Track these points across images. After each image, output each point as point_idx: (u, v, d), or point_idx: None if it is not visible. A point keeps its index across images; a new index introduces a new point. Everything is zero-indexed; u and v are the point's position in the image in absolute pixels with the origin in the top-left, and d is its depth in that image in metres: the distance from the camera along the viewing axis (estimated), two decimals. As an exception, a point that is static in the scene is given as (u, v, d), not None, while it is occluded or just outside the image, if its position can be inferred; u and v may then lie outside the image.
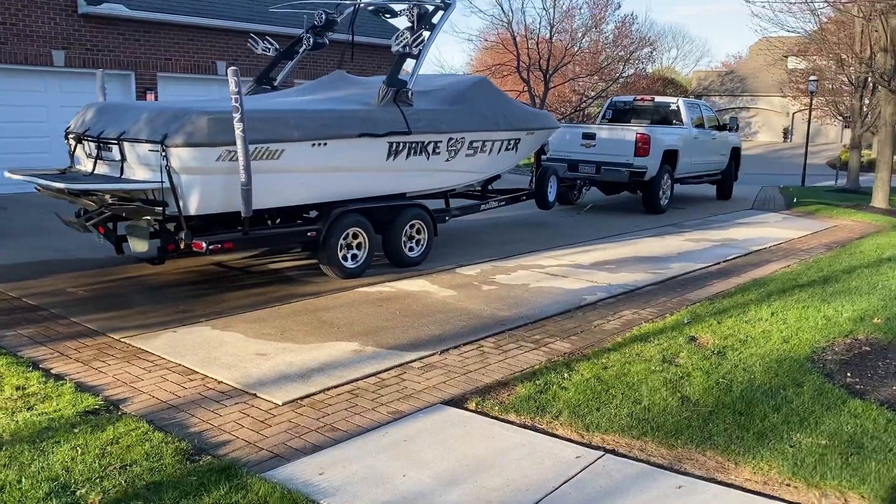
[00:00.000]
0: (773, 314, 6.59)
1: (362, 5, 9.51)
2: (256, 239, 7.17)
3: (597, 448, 3.99)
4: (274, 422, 4.22)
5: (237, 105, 6.12)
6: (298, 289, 7.25)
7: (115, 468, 3.55)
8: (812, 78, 23.45)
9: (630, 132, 13.24)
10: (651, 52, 38.15)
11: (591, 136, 13.49)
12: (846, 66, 20.56)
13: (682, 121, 14.75)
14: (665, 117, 15.10)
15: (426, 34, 8.13)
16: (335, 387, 4.74)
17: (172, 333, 5.74)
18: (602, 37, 34.30)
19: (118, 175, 6.66)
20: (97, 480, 3.44)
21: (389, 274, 7.92)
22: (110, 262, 7.98)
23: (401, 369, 5.11)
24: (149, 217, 6.59)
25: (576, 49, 31.88)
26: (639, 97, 15.87)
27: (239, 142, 6.20)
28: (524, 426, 4.25)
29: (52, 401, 4.32)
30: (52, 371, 4.86)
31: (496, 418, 4.35)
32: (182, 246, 6.59)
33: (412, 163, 8.13)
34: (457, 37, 72.14)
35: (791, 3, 15.72)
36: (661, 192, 13.61)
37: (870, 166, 25.71)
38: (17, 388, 4.48)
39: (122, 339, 5.54)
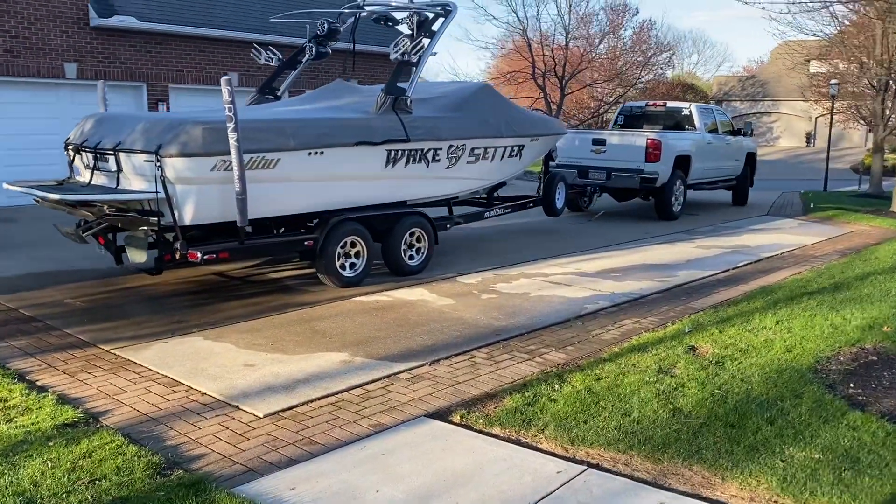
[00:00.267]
0: (777, 322, 6.41)
1: (364, 14, 9.49)
2: (252, 249, 7.11)
3: (580, 462, 3.87)
4: (252, 434, 4.15)
5: (230, 115, 6.10)
6: (295, 298, 7.20)
7: (83, 483, 3.50)
8: (833, 82, 23.05)
9: (641, 138, 13.05)
10: (670, 58, 37.92)
11: (601, 142, 13.33)
12: (867, 69, 20.20)
13: (694, 126, 14.52)
14: (678, 122, 14.89)
15: (426, 41, 8.09)
16: (318, 399, 4.66)
17: (164, 344, 5.70)
18: (620, 42, 34.16)
19: (115, 185, 6.67)
20: (64, 496, 3.39)
21: (389, 282, 7.84)
22: (111, 272, 7.99)
23: (388, 381, 5.02)
24: (146, 227, 6.59)
25: (592, 55, 31.73)
26: (651, 102, 15.67)
27: (233, 151, 6.17)
28: (508, 440, 4.14)
29: (32, 413, 4.29)
30: (38, 383, 4.83)
31: (480, 431, 4.24)
32: (178, 256, 6.57)
33: (412, 171, 8.05)
34: (472, 45, 72.25)
35: (803, 3, 15.35)
36: (673, 199, 13.40)
37: (893, 170, 25.22)
38: (-1, 401, 4.46)
39: (112, 351, 5.51)
